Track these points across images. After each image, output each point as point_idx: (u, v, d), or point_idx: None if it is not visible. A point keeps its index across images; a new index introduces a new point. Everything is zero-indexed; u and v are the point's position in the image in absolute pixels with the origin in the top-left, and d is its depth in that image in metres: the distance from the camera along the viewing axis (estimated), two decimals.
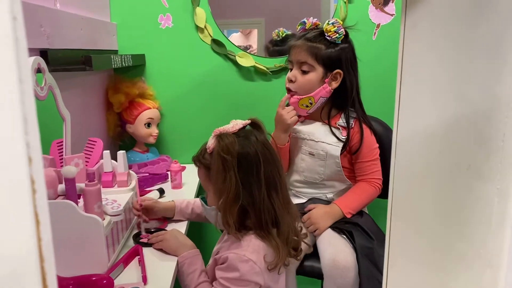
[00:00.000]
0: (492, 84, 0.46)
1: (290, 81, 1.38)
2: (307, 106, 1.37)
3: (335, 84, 1.35)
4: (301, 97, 1.36)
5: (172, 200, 1.34)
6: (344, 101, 1.37)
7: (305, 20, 1.38)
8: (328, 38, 1.31)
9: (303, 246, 1.11)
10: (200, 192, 1.47)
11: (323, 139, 1.38)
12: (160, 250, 1.13)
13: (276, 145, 1.37)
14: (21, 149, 0.24)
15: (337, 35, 1.29)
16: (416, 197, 0.55)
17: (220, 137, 1.00)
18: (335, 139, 1.37)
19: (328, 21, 1.32)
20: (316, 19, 1.38)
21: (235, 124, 1.03)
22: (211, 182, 1.03)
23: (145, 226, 1.27)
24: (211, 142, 1.03)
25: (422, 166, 0.53)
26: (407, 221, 0.56)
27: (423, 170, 0.54)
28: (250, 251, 0.97)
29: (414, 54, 0.53)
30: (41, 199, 0.27)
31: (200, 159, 1.07)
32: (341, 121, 1.39)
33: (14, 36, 0.24)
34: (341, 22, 1.33)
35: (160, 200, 1.52)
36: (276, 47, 1.90)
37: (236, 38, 1.89)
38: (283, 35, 1.85)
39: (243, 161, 0.97)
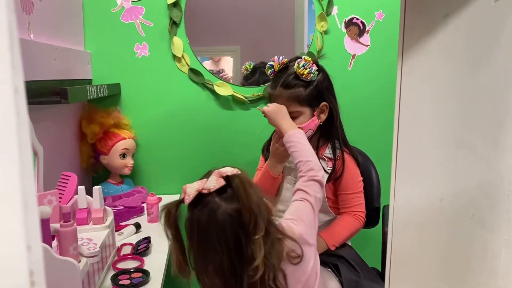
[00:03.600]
0: (495, 131, 0.45)
1: None
2: None
3: (324, 116, 1.35)
4: None
5: None
6: (330, 131, 1.38)
7: (272, 63, 1.37)
8: (304, 80, 1.31)
9: None
10: None
11: None
12: None
13: (270, 175, 1.36)
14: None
15: (312, 75, 1.30)
16: (416, 246, 0.54)
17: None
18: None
19: (298, 63, 1.30)
20: (282, 56, 1.38)
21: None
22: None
23: (124, 266, 1.21)
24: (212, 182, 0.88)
25: (423, 214, 0.52)
26: (407, 271, 0.55)
27: (424, 218, 0.52)
28: None
29: (411, 102, 0.52)
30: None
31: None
32: (328, 152, 1.38)
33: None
34: (310, 60, 1.32)
35: (136, 234, 1.46)
36: (249, 80, 1.90)
37: (207, 65, 1.88)
38: (251, 68, 1.85)
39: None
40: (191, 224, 0.84)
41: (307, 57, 1.32)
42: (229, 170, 0.84)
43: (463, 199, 0.48)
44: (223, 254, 0.80)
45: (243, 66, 1.86)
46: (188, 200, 0.82)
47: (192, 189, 0.83)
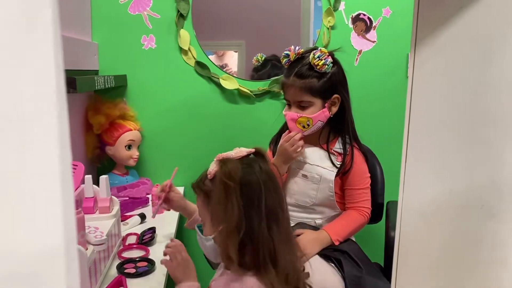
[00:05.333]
0: (507, 123, 0.46)
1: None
2: (304, 127, 1.37)
3: (334, 109, 1.36)
4: (301, 115, 1.35)
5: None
6: (341, 125, 1.38)
7: (288, 52, 1.37)
8: (318, 71, 1.31)
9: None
10: (182, 218, 1.43)
11: (318, 163, 1.38)
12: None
13: (276, 172, 1.35)
14: None
15: (326, 66, 1.30)
16: (424, 237, 0.54)
17: (223, 162, 0.95)
18: (330, 164, 1.37)
19: (314, 54, 1.30)
20: (298, 47, 1.38)
21: (239, 151, 0.98)
22: (210, 210, 0.97)
23: (129, 255, 1.22)
24: (212, 167, 0.97)
25: (432, 205, 0.53)
26: (416, 261, 0.56)
27: (433, 209, 0.53)
28: None
29: (423, 94, 0.53)
30: None
31: (200, 186, 1.00)
32: (338, 146, 1.39)
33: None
34: (326, 52, 1.33)
35: (141, 225, 1.48)
36: (259, 72, 1.91)
37: (211, 59, 1.88)
38: (263, 60, 1.85)
39: (246, 189, 0.92)
40: None
41: (323, 49, 1.32)
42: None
43: (473, 191, 0.49)
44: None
45: (255, 58, 1.84)
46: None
47: None
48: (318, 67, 1.30)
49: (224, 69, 1.87)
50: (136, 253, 1.25)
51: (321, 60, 1.29)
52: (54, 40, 0.21)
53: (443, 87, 0.52)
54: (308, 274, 1.06)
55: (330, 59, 1.31)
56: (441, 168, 0.52)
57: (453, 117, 0.51)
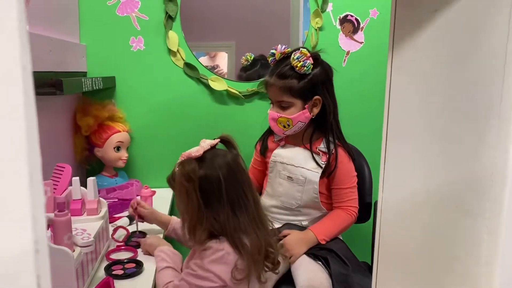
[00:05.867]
0: (480, 124, 0.47)
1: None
2: (284, 127, 1.38)
3: (316, 110, 1.37)
4: (279, 115, 1.36)
5: (171, 215, 1.40)
6: (325, 125, 1.39)
7: (274, 51, 1.38)
8: (298, 72, 1.32)
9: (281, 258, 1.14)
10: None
11: (303, 164, 1.38)
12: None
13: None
14: None
15: (305, 68, 1.31)
16: (403, 236, 0.55)
17: (181, 164, 1.04)
18: (314, 165, 1.38)
19: (294, 56, 1.32)
20: (285, 46, 1.39)
21: (201, 147, 1.06)
22: (177, 204, 1.10)
23: (117, 257, 1.22)
24: (175, 168, 1.07)
25: (410, 204, 0.54)
26: (395, 258, 0.57)
27: (410, 207, 0.54)
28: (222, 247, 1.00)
29: (400, 96, 0.54)
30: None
31: (170, 182, 1.11)
32: (322, 146, 1.40)
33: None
34: (306, 53, 1.32)
35: (131, 226, 1.47)
36: (248, 71, 1.91)
37: (203, 61, 1.88)
38: (251, 59, 1.86)
39: (205, 185, 1.01)
40: None
41: (304, 50, 1.33)
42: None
43: (448, 190, 0.50)
44: None
45: (243, 57, 1.84)
46: None
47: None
48: (297, 68, 1.31)
49: (215, 70, 1.88)
50: (124, 255, 1.25)
51: (300, 61, 1.30)
52: (20, 42, 0.21)
53: (419, 87, 0.53)
54: (282, 246, 1.22)
55: (309, 61, 1.31)
56: (418, 167, 0.53)
57: (429, 116, 0.52)
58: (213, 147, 1.10)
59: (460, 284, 0.49)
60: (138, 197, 1.39)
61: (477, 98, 0.48)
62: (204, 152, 1.06)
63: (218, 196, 1.01)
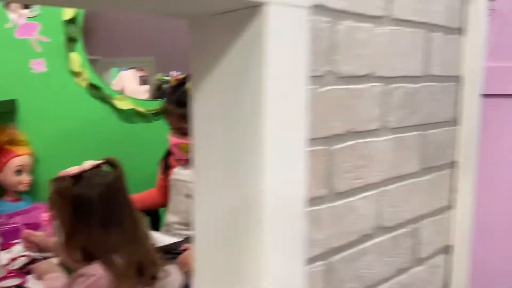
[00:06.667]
0: (248, 156, 0.54)
1: None
2: (186, 152, 1.41)
3: None
4: (181, 141, 1.40)
5: None
6: None
7: (168, 78, 1.42)
8: None
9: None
10: None
11: None
12: None
13: None
14: None
15: None
16: (206, 255, 0.62)
17: (56, 181, 1.07)
18: None
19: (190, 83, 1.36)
20: (179, 72, 1.43)
21: (80, 167, 1.09)
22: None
23: (4, 284, 1.21)
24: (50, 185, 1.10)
25: (210, 229, 0.61)
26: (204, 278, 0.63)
27: (211, 232, 0.61)
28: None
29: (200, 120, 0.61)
30: None
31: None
32: None
33: None
34: None
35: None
36: (159, 91, 1.95)
37: (129, 74, 1.91)
38: (162, 79, 1.90)
39: (78, 203, 1.03)
40: None
41: None
42: None
43: (229, 216, 0.57)
44: None
45: (155, 77, 1.88)
46: None
47: None
48: None
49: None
50: (12, 282, 1.24)
51: None
52: None
53: (208, 122, 0.60)
54: (164, 263, 1.18)
55: None
56: (210, 196, 0.60)
57: (213, 148, 0.58)
58: (97, 168, 1.12)
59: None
60: (27, 231, 1.38)
61: (245, 131, 0.55)
62: (84, 172, 1.08)
63: (90, 214, 1.03)
